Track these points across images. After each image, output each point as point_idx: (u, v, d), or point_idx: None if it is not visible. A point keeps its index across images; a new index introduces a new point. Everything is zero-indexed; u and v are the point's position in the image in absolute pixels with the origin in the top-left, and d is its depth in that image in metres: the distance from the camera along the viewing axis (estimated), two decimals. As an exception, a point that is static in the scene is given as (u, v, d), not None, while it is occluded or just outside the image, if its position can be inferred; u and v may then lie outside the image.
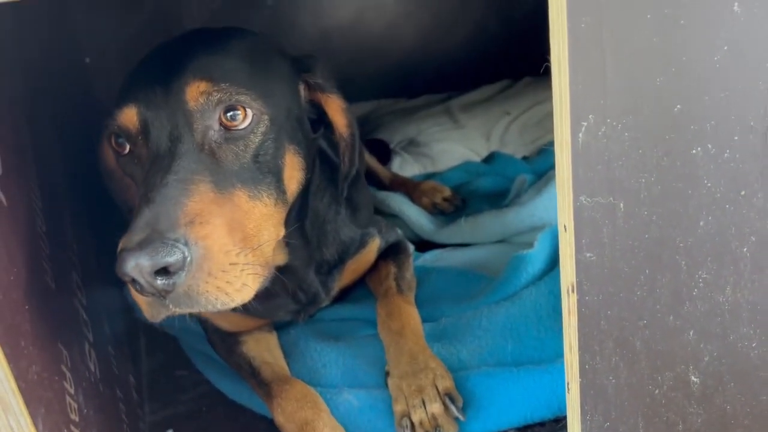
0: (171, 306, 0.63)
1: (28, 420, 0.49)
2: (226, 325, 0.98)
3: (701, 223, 0.58)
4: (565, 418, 0.72)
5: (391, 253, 1.12)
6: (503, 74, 2.16)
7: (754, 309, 0.61)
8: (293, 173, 0.77)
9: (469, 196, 1.46)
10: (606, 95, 0.52)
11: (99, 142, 0.82)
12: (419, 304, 1.03)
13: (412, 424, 0.80)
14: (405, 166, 1.68)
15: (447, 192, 1.46)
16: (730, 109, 0.54)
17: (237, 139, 0.70)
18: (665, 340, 0.62)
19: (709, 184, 0.57)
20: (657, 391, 0.64)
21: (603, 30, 0.50)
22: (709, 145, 0.55)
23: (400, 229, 1.32)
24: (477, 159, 1.69)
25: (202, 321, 1.01)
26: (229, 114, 0.70)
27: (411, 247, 1.24)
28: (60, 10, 1.26)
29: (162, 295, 0.61)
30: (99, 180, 0.86)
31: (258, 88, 0.72)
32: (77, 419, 0.61)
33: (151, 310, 0.65)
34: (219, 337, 1.00)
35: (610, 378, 0.63)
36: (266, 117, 0.72)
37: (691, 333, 0.62)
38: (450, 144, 1.73)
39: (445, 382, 0.82)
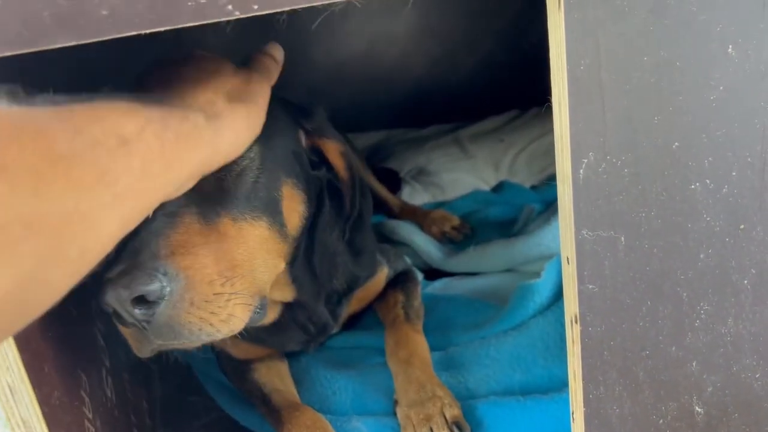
0: (153, 338, 0.62)
1: (50, 443, 0.51)
2: (237, 353, 1.00)
3: (701, 256, 0.59)
4: (571, 447, 0.72)
5: (399, 281, 1.13)
6: (511, 105, 2.19)
7: (756, 340, 0.62)
8: (293, 206, 0.77)
9: (478, 225, 1.47)
10: (605, 133, 0.54)
11: None
12: (427, 332, 1.04)
13: (421, 452, 0.81)
14: (415, 195, 1.70)
15: (456, 221, 1.48)
16: (728, 146, 0.56)
17: (227, 173, 0.70)
18: (668, 371, 0.63)
19: (708, 218, 0.58)
20: (661, 422, 0.65)
21: (601, 71, 0.52)
22: (708, 181, 0.57)
23: (409, 257, 1.34)
24: (486, 188, 1.71)
25: (214, 348, 1.03)
26: None
27: (419, 276, 1.26)
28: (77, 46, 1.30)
29: (143, 326, 0.60)
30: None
31: None
32: (94, 443, 0.63)
33: (138, 345, 0.64)
34: (231, 365, 1.01)
35: (614, 408, 0.64)
36: (255, 147, 0.72)
37: (694, 364, 0.63)
38: (459, 173, 1.75)
39: (453, 411, 0.83)
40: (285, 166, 0.77)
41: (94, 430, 0.64)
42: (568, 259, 0.58)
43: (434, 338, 1.03)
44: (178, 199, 0.66)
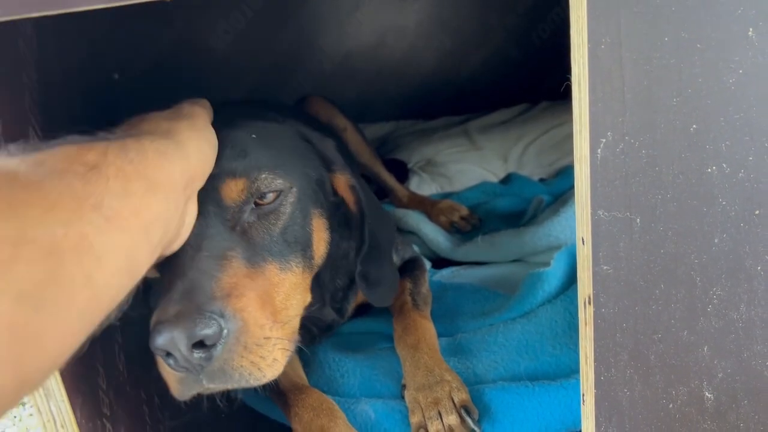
0: (205, 382, 0.61)
1: (69, 407, 0.51)
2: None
3: (716, 240, 0.59)
4: (579, 433, 0.72)
5: (406, 269, 1.13)
6: (521, 98, 2.19)
7: (768, 327, 0.62)
8: (321, 235, 0.79)
9: (485, 216, 1.47)
10: (624, 113, 0.54)
11: None
12: (435, 319, 1.04)
13: (428, 435, 0.81)
14: (422, 186, 1.70)
15: (464, 211, 1.48)
16: (745, 130, 0.56)
17: (267, 214, 0.72)
18: (679, 355, 0.63)
19: (723, 203, 0.58)
20: (671, 406, 0.65)
21: (622, 50, 0.52)
22: (724, 165, 0.57)
23: (417, 247, 1.34)
24: (494, 180, 1.71)
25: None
26: (263, 197, 0.72)
27: (427, 264, 1.26)
28: (90, 27, 1.31)
29: (197, 370, 0.60)
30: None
31: (282, 164, 0.74)
32: (108, 413, 0.64)
33: (181, 388, 0.63)
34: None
35: (625, 390, 0.64)
36: (294, 189, 0.74)
37: (705, 349, 0.63)
38: (467, 165, 1.75)
39: (461, 395, 0.84)
40: (312, 196, 0.78)
41: (108, 400, 0.64)
42: (583, 239, 0.58)
43: (442, 325, 1.03)
44: (221, 240, 0.67)
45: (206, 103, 0.76)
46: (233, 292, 0.63)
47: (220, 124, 0.73)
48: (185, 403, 1.03)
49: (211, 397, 1.05)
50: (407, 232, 1.39)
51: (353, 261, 0.94)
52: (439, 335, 1.00)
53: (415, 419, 0.83)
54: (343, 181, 0.85)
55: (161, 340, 0.58)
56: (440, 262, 1.34)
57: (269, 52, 1.97)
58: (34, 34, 0.71)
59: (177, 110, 0.69)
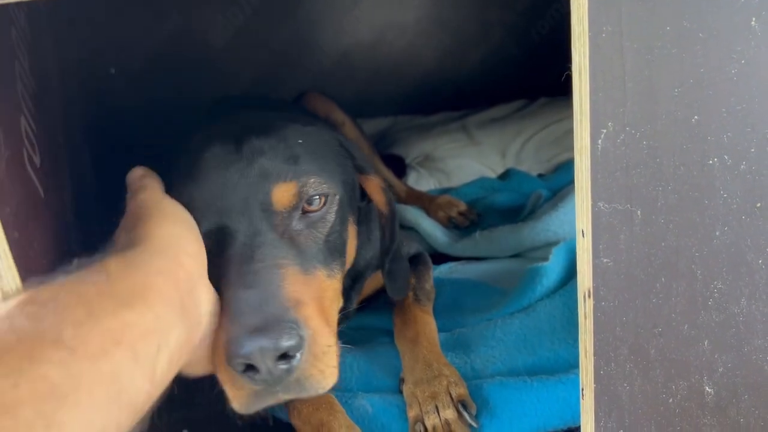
0: (281, 394, 0.61)
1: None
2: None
3: (717, 234, 0.59)
4: (577, 429, 0.72)
5: (411, 264, 1.13)
6: (519, 95, 2.18)
7: (769, 321, 0.62)
8: (352, 241, 0.80)
9: (484, 212, 1.47)
10: (626, 103, 0.54)
11: None
12: (434, 314, 1.03)
13: (426, 429, 0.80)
14: (420, 181, 1.70)
15: (462, 206, 1.47)
16: (747, 122, 0.55)
17: (315, 222, 0.72)
18: (680, 349, 0.63)
19: (725, 195, 0.58)
20: (671, 401, 0.65)
21: (623, 39, 0.52)
22: (726, 156, 0.57)
23: (418, 242, 1.34)
24: (492, 175, 1.70)
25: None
26: (310, 202, 0.72)
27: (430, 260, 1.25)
28: (87, 21, 1.30)
29: (276, 382, 0.59)
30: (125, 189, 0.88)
31: (327, 171, 0.74)
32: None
33: (248, 401, 0.62)
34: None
35: (625, 385, 0.64)
36: (337, 197, 0.75)
37: (705, 343, 0.63)
38: (465, 160, 1.74)
39: (459, 389, 0.83)
40: (348, 203, 0.79)
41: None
42: (583, 231, 0.58)
43: (440, 321, 1.02)
44: (273, 248, 0.66)
45: (148, 172, 0.71)
46: (300, 302, 0.62)
47: (256, 125, 0.73)
48: (181, 398, 1.02)
49: (208, 390, 1.04)
50: (405, 228, 1.38)
51: (360, 262, 0.94)
52: (438, 330, 0.99)
53: (412, 413, 0.83)
54: (375, 184, 0.85)
55: (247, 350, 0.57)
56: (438, 257, 1.33)
57: (267, 49, 1.96)
58: (27, 24, 0.70)
59: (131, 207, 0.64)
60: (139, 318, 0.47)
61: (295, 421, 0.84)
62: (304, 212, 0.72)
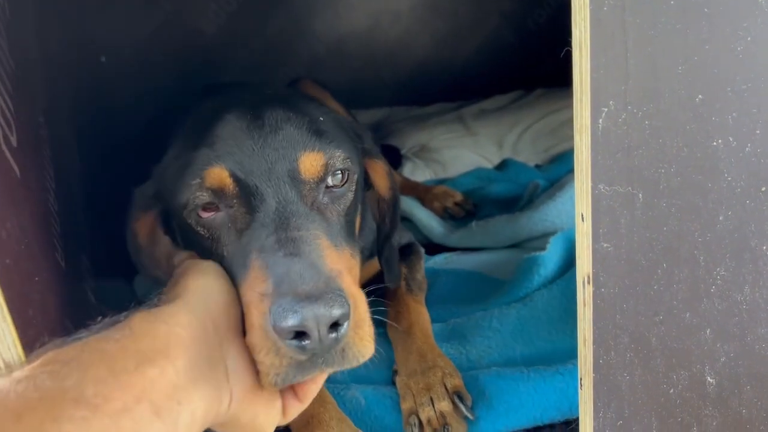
0: (323, 365, 0.59)
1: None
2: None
3: (720, 218, 0.57)
4: (575, 420, 0.70)
5: (403, 254, 1.11)
6: (516, 85, 2.16)
7: (773, 310, 0.60)
8: (359, 221, 0.80)
9: (480, 202, 1.45)
10: (627, 81, 0.51)
11: (129, 218, 0.76)
12: (429, 305, 1.02)
13: (420, 422, 0.79)
14: (416, 172, 1.68)
15: (458, 197, 1.45)
16: (753, 102, 0.53)
17: (338, 197, 0.72)
18: (681, 338, 0.61)
19: (729, 178, 0.56)
20: (672, 391, 0.63)
21: (626, 14, 0.49)
22: (731, 138, 0.55)
23: (410, 232, 1.32)
24: (489, 166, 1.68)
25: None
26: (334, 176, 0.71)
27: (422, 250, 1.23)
28: (74, 7, 1.27)
29: (324, 351, 0.58)
30: (112, 177, 0.86)
31: (348, 149, 0.74)
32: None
33: (287, 373, 0.58)
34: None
35: (625, 374, 0.62)
36: (356, 175, 0.74)
37: (708, 332, 0.61)
38: (462, 150, 1.73)
39: (454, 381, 0.81)
40: (361, 183, 0.79)
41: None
42: (582, 215, 0.56)
43: (435, 311, 1.01)
44: (307, 218, 0.65)
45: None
46: (341, 272, 0.62)
47: (273, 97, 0.73)
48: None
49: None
50: (401, 219, 1.36)
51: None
52: (433, 321, 0.98)
53: (406, 405, 0.81)
54: (380, 167, 0.85)
55: (298, 318, 0.55)
56: (434, 248, 1.31)
57: (261, 35, 1.94)
58: (7, 5, 0.68)
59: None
60: (160, 373, 0.47)
61: (286, 413, 0.83)
62: (328, 188, 0.71)
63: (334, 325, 0.57)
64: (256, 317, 0.58)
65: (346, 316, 0.57)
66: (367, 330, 0.62)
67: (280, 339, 0.57)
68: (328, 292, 0.57)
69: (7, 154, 0.53)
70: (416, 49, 2.14)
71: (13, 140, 0.56)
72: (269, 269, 0.60)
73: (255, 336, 0.58)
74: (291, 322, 0.55)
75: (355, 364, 0.61)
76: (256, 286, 0.60)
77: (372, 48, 2.10)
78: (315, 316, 0.55)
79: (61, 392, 0.41)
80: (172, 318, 0.51)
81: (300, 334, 0.56)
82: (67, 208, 0.72)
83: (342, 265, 0.64)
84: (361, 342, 0.61)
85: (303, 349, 0.57)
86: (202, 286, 0.58)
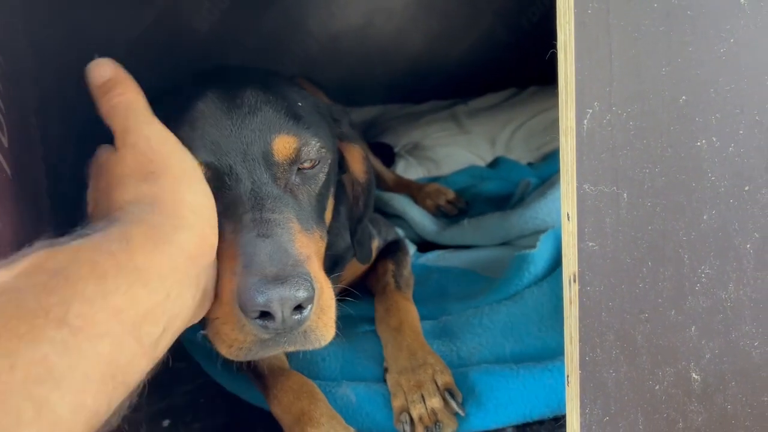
0: (286, 344, 0.63)
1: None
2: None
3: (704, 217, 0.58)
4: (564, 417, 0.71)
5: (390, 251, 1.12)
6: (510, 82, 2.17)
7: (757, 307, 0.61)
8: (330, 207, 0.81)
9: (472, 200, 1.46)
10: (612, 83, 0.52)
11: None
12: (420, 302, 1.02)
13: (411, 419, 0.79)
14: (409, 170, 1.68)
15: (451, 194, 1.46)
16: (736, 103, 0.54)
17: (309, 179, 0.73)
18: (666, 335, 0.62)
19: (713, 178, 0.56)
20: (657, 387, 0.64)
21: (610, 16, 0.50)
22: (714, 138, 0.55)
23: (403, 230, 1.32)
24: (482, 164, 1.69)
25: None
26: (305, 160, 0.73)
27: (412, 248, 1.24)
28: (69, 5, 1.27)
29: (286, 332, 0.61)
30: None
31: (323, 135, 0.76)
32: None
33: (250, 349, 0.63)
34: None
35: (611, 371, 0.63)
36: (329, 160, 0.76)
37: (692, 329, 0.62)
38: (455, 149, 1.73)
39: (445, 377, 0.82)
40: (334, 168, 0.81)
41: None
42: (568, 215, 0.56)
43: (427, 308, 1.02)
44: (280, 201, 0.67)
45: (133, 86, 0.66)
46: (309, 257, 0.64)
47: (254, 79, 0.74)
48: (165, 387, 1.01)
49: (188, 381, 1.03)
50: (393, 216, 1.37)
51: (340, 244, 0.96)
52: (424, 318, 0.98)
53: (397, 403, 0.82)
54: (356, 151, 0.87)
55: (264, 299, 0.57)
56: (426, 245, 1.32)
57: (254, 33, 1.94)
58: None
59: (130, 141, 0.59)
60: (149, 296, 0.45)
61: (276, 410, 0.83)
62: (300, 169, 0.73)
63: (298, 308, 0.60)
64: (224, 293, 0.61)
65: (310, 299, 0.60)
66: (331, 316, 0.66)
67: (245, 317, 0.60)
68: (295, 275, 0.59)
69: (-2, 154, 0.53)
70: (410, 47, 2.14)
71: (4, 140, 0.56)
72: (241, 247, 0.62)
73: (222, 310, 0.61)
74: (257, 301, 0.58)
75: (317, 346, 0.65)
76: (226, 259, 0.62)
77: (366, 46, 2.10)
78: (280, 297, 0.58)
79: (44, 312, 0.40)
80: (173, 244, 0.50)
81: (265, 314, 0.59)
82: (64, 212, 0.72)
83: (311, 250, 0.67)
84: (325, 327, 0.65)
85: (266, 328, 0.60)
86: (196, 206, 0.57)
